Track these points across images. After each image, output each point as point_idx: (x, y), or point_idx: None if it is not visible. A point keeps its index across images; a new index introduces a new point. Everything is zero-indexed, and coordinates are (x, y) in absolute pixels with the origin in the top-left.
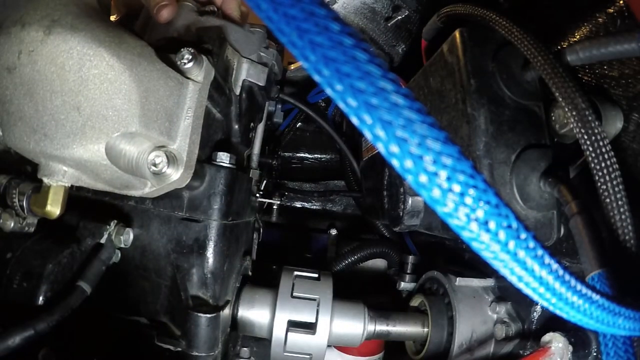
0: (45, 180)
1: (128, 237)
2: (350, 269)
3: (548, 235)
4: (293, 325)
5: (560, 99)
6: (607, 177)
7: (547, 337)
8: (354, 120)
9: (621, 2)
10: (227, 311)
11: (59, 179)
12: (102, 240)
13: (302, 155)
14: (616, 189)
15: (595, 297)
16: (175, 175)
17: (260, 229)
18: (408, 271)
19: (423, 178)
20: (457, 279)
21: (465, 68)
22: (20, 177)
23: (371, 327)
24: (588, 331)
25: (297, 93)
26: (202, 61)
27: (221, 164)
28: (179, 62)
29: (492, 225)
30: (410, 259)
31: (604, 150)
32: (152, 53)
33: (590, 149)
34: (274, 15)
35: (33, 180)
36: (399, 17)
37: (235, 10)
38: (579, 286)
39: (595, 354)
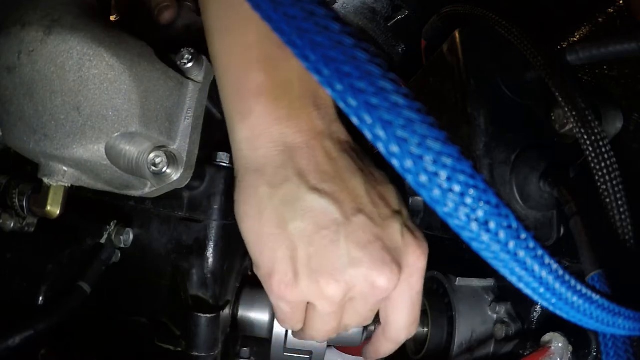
0: (45, 180)
1: (128, 237)
2: None
3: (548, 235)
4: None
5: (560, 99)
6: (607, 177)
7: (547, 337)
8: (354, 120)
9: (621, 2)
10: (227, 311)
11: (59, 179)
12: (102, 241)
13: None
14: (616, 189)
15: (595, 297)
16: (175, 175)
17: None
18: None
19: (423, 178)
20: (457, 279)
21: (465, 68)
22: (20, 177)
23: (371, 327)
24: (588, 331)
25: None
26: (202, 61)
27: (221, 164)
28: (179, 62)
29: (492, 225)
30: None
31: (604, 150)
32: (152, 53)
33: (590, 149)
34: (274, 15)
35: (33, 180)
36: (399, 17)
37: None
38: (579, 286)
39: (595, 354)
